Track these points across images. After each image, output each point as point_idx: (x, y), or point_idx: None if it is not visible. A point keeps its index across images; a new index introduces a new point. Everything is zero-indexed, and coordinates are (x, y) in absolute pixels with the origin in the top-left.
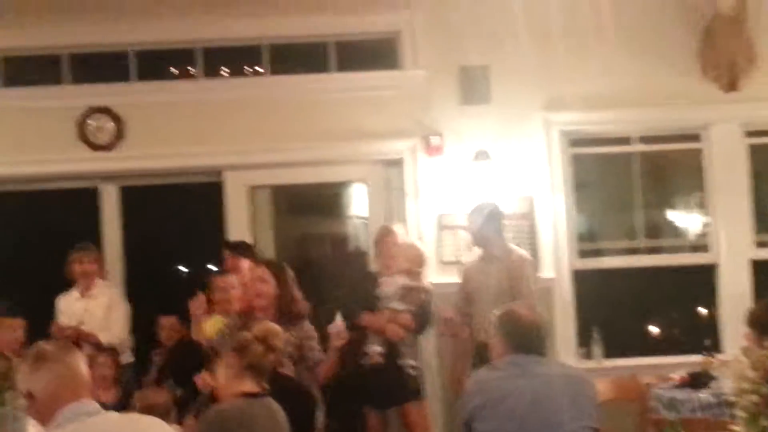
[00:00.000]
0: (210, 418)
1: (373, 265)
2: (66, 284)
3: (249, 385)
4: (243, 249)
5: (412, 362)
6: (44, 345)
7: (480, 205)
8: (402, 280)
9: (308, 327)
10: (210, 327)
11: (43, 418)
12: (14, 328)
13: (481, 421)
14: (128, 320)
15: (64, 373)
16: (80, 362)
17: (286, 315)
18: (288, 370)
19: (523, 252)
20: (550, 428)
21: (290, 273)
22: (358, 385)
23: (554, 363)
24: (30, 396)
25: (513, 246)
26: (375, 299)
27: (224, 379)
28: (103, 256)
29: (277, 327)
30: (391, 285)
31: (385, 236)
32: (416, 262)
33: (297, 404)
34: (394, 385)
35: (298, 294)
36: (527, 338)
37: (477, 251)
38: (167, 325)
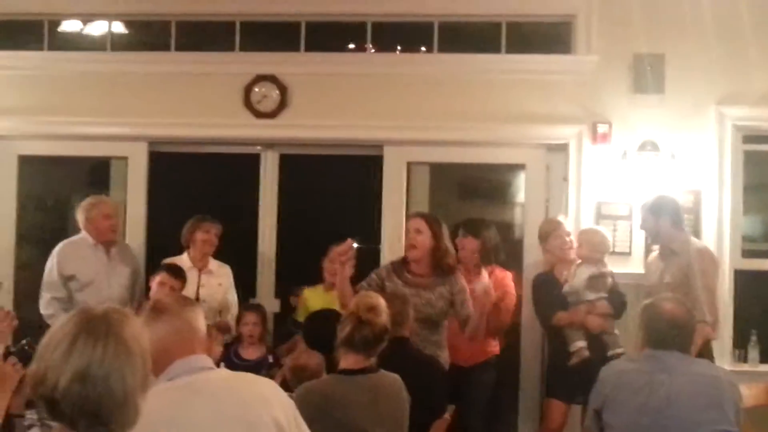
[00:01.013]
0: (298, 395)
1: (543, 261)
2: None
3: (351, 361)
4: None
5: (620, 350)
6: (163, 298)
7: (652, 200)
8: (588, 271)
9: (461, 281)
10: (310, 297)
11: (155, 370)
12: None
13: (612, 412)
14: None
15: (180, 328)
16: (198, 317)
17: (438, 267)
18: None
19: (703, 245)
20: (686, 428)
21: (445, 228)
22: (568, 383)
23: (697, 361)
24: None
25: (694, 239)
26: (560, 298)
27: (338, 353)
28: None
29: (374, 300)
30: (579, 276)
31: (555, 230)
32: (599, 249)
33: (419, 377)
34: (592, 380)
35: (451, 248)
36: (665, 333)
37: (655, 247)
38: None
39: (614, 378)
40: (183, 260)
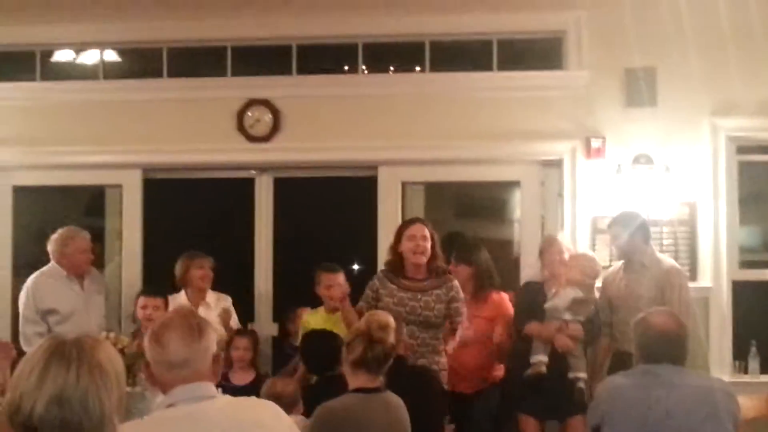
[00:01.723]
0: (320, 415)
1: (539, 275)
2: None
3: (363, 380)
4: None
5: (582, 375)
6: (170, 322)
7: (624, 215)
8: (573, 293)
9: (456, 287)
10: (312, 321)
11: (161, 388)
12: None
13: (611, 428)
14: None
15: (183, 358)
16: (206, 343)
17: (433, 271)
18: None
19: (673, 261)
20: None
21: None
22: (519, 393)
23: (693, 373)
24: (147, 366)
25: (661, 255)
26: (540, 309)
27: (346, 373)
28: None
29: (384, 318)
30: (562, 297)
31: (549, 246)
32: (590, 274)
33: (417, 396)
34: (559, 397)
35: (441, 253)
36: (657, 347)
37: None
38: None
39: (610, 394)
40: (180, 298)
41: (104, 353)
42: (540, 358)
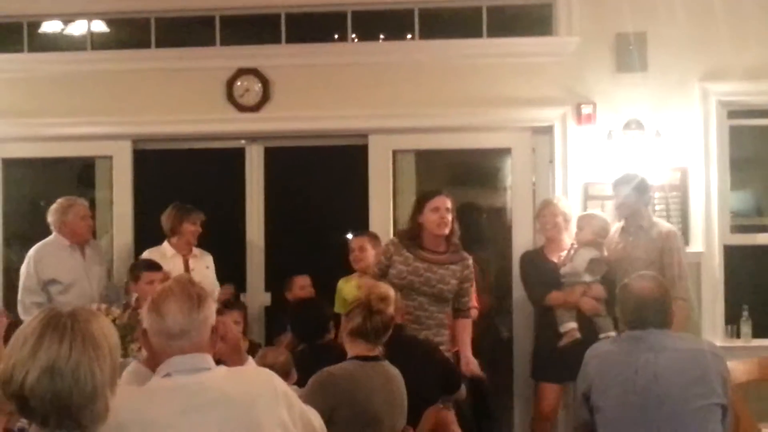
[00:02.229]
0: (320, 380)
1: (536, 238)
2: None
3: (361, 349)
4: None
5: (612, 333)
6: (169, 291)
7: (628, 176)
8: (590, 253)
9: (471, 268)
10: (349, 288)
11: (154, 359)
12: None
13: (599, 394)
14: None
15: (182, 328)
16: (207, 313)
17: (450, 244)
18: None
19: (671, 225)
20: (674, 404)
21: None
22: (559, 365)
23: (681, 337)
24: (144, 334)
25: (657, 219)
26: (551, 277)
27: (344, 341)
28: None
29: (384, 290)
30: (579, 259)
31: (545, 209)
32: (600, 233)
33: (415, 366)
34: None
35: (457, 228)
36: (641, 312)
37: (618, 222)
38: (300, 284)
39: (599, 360)
40: (164, 249)
41: (98, 326)
42: (571, 325)
